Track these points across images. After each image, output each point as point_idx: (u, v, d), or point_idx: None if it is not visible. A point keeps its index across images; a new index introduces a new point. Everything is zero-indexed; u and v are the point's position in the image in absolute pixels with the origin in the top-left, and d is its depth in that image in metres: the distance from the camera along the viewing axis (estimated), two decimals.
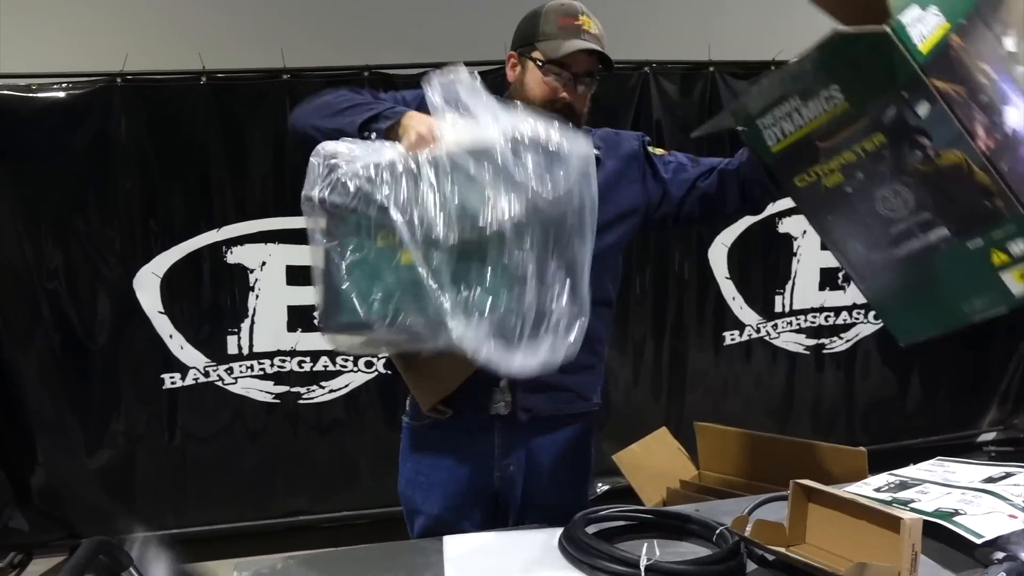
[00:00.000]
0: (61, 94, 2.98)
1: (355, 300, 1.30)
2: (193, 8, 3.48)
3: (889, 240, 1.03)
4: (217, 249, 3.13)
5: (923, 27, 0.98)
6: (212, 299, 3.15)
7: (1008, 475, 1.47)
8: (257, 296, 3.18)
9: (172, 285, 3.11)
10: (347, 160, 1.30)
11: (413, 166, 1.26)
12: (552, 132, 1.27)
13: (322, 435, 3.29)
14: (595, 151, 1.66)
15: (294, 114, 1.59)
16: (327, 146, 1.34)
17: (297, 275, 3.20)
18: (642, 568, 1.22)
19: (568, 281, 1.26)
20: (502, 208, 1.21)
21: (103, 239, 3.05)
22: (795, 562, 1.24)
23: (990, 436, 4.10)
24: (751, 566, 1.30)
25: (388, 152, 1.30)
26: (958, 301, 1.00)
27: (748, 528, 1.29)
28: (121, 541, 1.30)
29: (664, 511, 1.50)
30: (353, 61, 3.19)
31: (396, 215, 1.24)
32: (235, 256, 3.15)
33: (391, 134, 1.40)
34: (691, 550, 1.36)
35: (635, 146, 1.82)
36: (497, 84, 3.29)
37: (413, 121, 1.39)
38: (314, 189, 1.32)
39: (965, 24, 1.05)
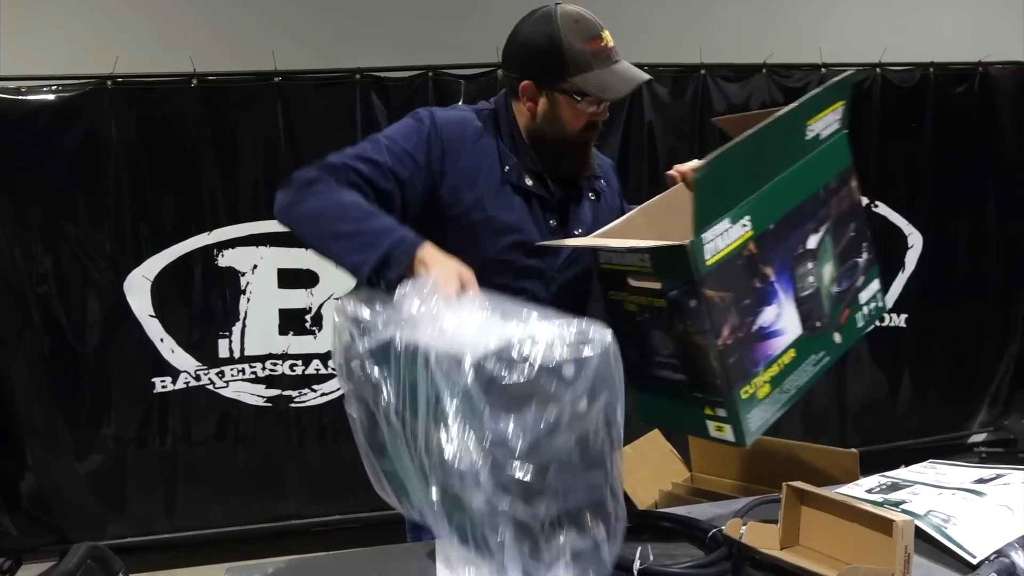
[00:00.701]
0: (51, 97, 2.97)
1: (369, 468, 1.23)
2: (183, 11, 3.47)
3: (653, 362, 1.38)
4: (208, 252, 3.12)
5: (722, 240, 1.29)
6: (203, 302, 3.14)
7: (999, 476, 1.48)
8: (248, 299, 3.17)
9: (163, 288, 3.09)
10: (365, 330, 1.17)
11: (424, 360, 1.07)
12: (567, 341, 1.05)
13: (314, 438, 3.28)
14: (601, 181, 1.70)
15: (283, 204, 1.44)
16: (349, 307, 1.21)
17: (289, 278, 3.19)
18: (635, 571, 1.22)
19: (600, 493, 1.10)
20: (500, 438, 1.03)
21: (93, 242, 3.04)
22: (788, 565, 1.24)
23: (980, 437, 4.12)
24: (744, 569, 1.30)
25: (397, 328, 1.14)
26: (687, 418, 1.38)
27: (741, 531, 1.29)
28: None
29: (657, 513, 1.50)
30: (344, 64, 3.19)
31: (392, 419, 1.13)
32: (226, 259, 3.14)
33: (407, 274, 1.27)
34: (684, 552, 1.35)
35: (613, 175, 1.80)
36: (487, 88, 3.32)
37: (431, 263, 1.27)
38: (337, 356, 1.24)
39: (772, 229, 1.36)
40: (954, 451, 3.97)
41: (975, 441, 4.12)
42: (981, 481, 1.46)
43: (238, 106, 3.10)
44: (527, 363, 1.02)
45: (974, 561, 1.24)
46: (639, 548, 1.29)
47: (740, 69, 3.54)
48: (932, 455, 1.80)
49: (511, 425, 1.02)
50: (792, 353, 1.39)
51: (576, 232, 1.64)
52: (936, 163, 3.78)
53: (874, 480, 1.55)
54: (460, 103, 1.84)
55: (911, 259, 3.83)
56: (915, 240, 3.82)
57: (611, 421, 1.09)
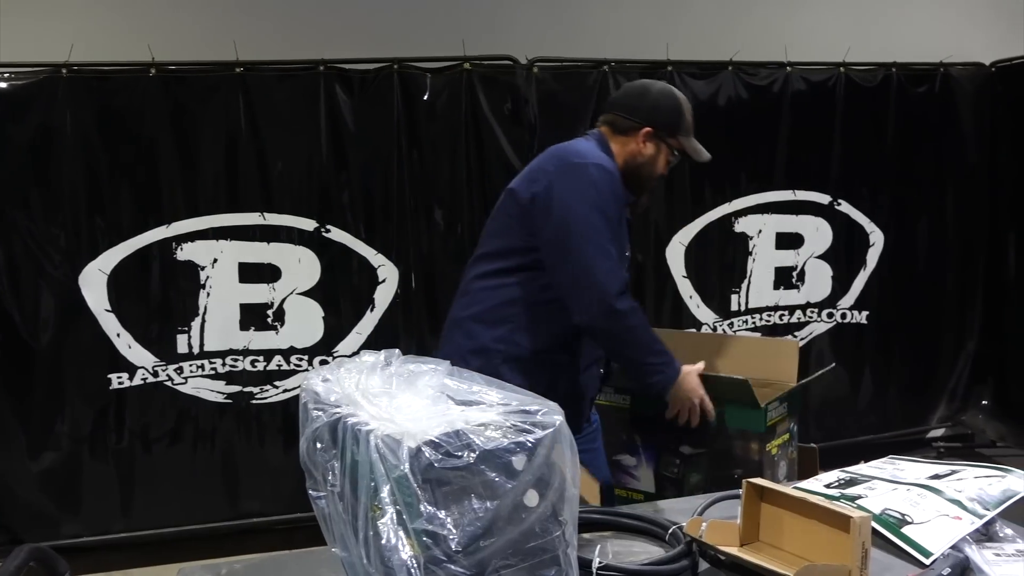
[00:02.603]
0: (3, 85, 2.90)
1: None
2: None
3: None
4: (167, 246, 3.06)
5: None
6: (161, 297, 3.08)
7: (953, 472, 1.50)
8: (208, 294, 3.11)
9: (119, 282, 3.03)
10: (320, 406, 1.11)
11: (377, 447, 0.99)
12: (515, 425, 0.99)
13: (276, 435, 3.24)
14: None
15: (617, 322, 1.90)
16: (309, 383, 1.16)
17: (250, 272, 3.14)
18: (594, 569, 1.21)
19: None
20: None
21: (47, 235, 2.96)
22: (746, 563, 1.24)
23: (939, 432, 4.19)
24: (703, 565, 1.29)
25: (345, 405, 1.08)
26: None
27: (702, 528, 1.29)
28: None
29: (618, 511, 1.49)
30: (308, 55, 3.14)
31: (338, 504, 1.07)
32: (185, 253, 3.08)
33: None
34: (644, 549, 1.35)
35: None
36: (454, 82, 3.30)
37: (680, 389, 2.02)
38: (301, 438, 1.17)
39: None
40: (914, 446, 4.04)
41: (934, 436, 4.19)
42: (936, 477, 1.47)
43: (198, 97, 3.04)
44: (468, 450, 0.95)
45: (927, 561, 1.25)
46: (599, 546, 1.28)
47: (707, 66, 3.55)
48: (892, 450, 1.82)
49: (447, 518, 0.95)
50: None
51: (628, 252, 2.10)
52: (898, 162, 3.83)
53: (833, 475, 1.56)
54: (581, 140, 2.07)
55: (872, 257, 3.88)
56: (877, 238, 3.87)
57: (560, 512, 1.00)
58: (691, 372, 2.02)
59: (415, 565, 0.95)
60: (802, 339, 3.81)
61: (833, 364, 2.80)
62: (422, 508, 0.95)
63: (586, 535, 1.38)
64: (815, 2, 4.07)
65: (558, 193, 1.87)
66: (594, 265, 1.84)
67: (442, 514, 0.95)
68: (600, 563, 1.21)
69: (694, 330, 3.61)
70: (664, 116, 2.03)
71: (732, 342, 2.56)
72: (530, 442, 0.98)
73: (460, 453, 0.96)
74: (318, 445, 1.10)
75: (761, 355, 2.37)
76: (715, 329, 3.68)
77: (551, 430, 0.99)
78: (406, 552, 0.95)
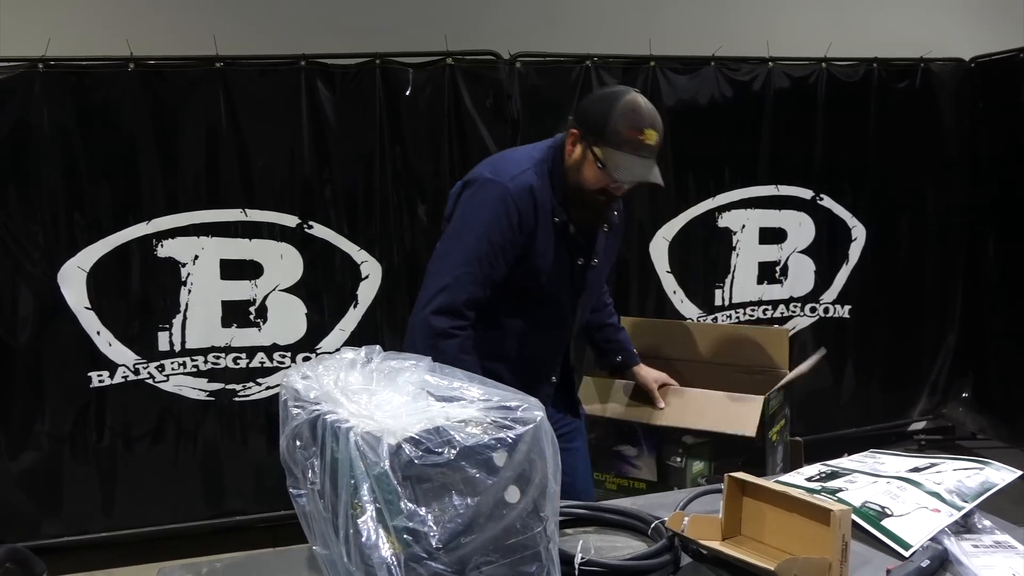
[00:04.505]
0: None
1: (318, 557, 1.12)
2: None
3: None
4: (147, 242, 3.03)
5: None
6: (142, 294, 3.05)
7: (932, 465, 1.51)
8: (190, 291, 3.08)
9: (99, 280, 2.99)
10: (300, 404, 1.11)
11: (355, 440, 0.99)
12: (495, 422, 0.99)
13: (259, 433, 3.22)
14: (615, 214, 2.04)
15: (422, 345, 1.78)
16: (289, 380, 1.16)
17: (232, 269, 3.11)
18: (576, 564, 1.21)
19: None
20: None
21: (24, 232, 2.92)
22: (728, 557, 1.24)
23: (920, 425, 4.22)
24: (685, 560, 1.30)
25: (324, 402, 1.09)
26: None
27: (684, 523, 1.29)
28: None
29: (599, 505, 1.49)
30: (289, 49, 3.12)
31: (319, 501, 1.07)
32: (166, 250, 3.05)
33: None
34: (627, 544, 1.35)
35: (623, 210, 2.13)
36: (436, 77, 3.28)
37: None
38: (282, 436, 1.15)
39: None
40: (896, 439, 4.08)
41: (915, 429, 4.23)
42: (916, 470, 1.48)
43: (178, 92, 3.01)
44: (449, 447, 0.95)
45: (907, 553, 1.26)
46: (581, 541, 1.28)
47: (689, 62, 3.56)
48: (874, 443, 1.84)
49: (428, 515, 0.95)
50: None
51: (593, 262, 1.98)
52: (879, 157, 3.85)
53: (815, 468, 1.57)
54: (522, 148, 1.99)
55: (855, 251, 3.90)
56: (859, 233, 3.89)
57: (541, 508, 1.00)
58: None
59: (396, 563, 0.94)
60: None
61: (823, 350, 2.81)
62: (402, 505, 0.95)
63: (568, 530, 1.39)
64: None
65: (458, 210, 1.90)
66: (433, 279, 1.84)
67: (423, 511, 0.95)
68: (582, 558, 1.21)
69: (689, 319, 3.63)
70: (591, 116, 1.82)
71: (723, 331, 2.59)
72: (511, 438, 0.97)
73: (440, 450, 0.95)
74: (298, 443, 1.09)
75: (752, 343, 2.40)
76: (698, 323, 3.69)
77: (531, 426, 0.99)
78: (386, 549, 0.95)
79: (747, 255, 3.74)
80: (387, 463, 0.95)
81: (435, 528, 0.95)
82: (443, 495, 0.96)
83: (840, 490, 1.41)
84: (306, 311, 3.20)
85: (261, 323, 3.16)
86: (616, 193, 1.87)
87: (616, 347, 2.30)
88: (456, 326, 1.81)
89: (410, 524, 0.94)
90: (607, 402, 2.32)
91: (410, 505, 0.95)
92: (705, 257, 3.69)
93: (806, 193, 3.79)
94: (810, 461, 1.69)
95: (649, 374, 2.28)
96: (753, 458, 2.06)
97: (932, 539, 1.28)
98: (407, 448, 0.95)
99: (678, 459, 2.21)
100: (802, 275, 3.84)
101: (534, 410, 1.01)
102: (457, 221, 1.89)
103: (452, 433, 0.96)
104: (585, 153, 1.83)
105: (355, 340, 3.21)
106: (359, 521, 0.97)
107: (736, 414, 2.13)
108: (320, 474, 1.05)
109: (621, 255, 3.49)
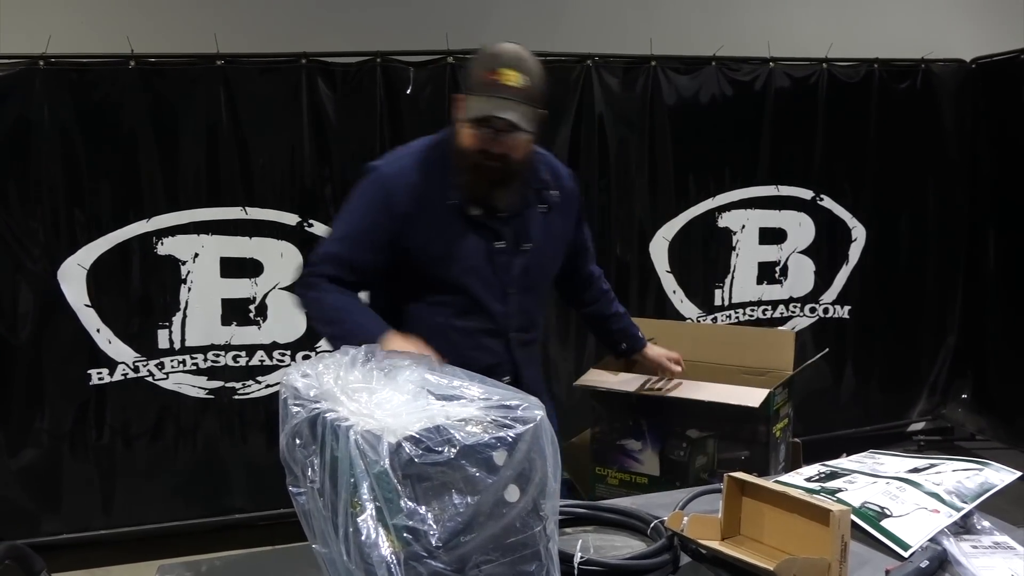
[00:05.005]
0: None
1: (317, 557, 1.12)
2: None
3: None
4: (147, 240, 3.03)
5: None
6: (142, 292, 3.05)
7: (932, 465, 1.51)
8: (189, 289, 3.08)
9: (99, 277, 2.99)
10: (300, 402, 1.10)
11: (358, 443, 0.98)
12: (495, 421, 0.99)
13: (259, 431, 3.22)
14: (553, 193, 1.87)
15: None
16: (288, 378, 1.15)
17: (232, 267, 3.12)
18: (576, 563, 1.21)
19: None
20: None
21: (25, 230, 2.92)
22: (727, 556, 1.25)
23: (920, 426, 4.22)
24: (685, 559, 1.30)
25: (324, 400, 1.08)
26: None
27: (683, 522, 1.29)
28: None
29: (599, 504, 1.49)
30: (290, 48, 3.11)
31: (318, 500, 1.06)
32: (166, 247, 3.05)
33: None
34: (626, 544, 1.35)
35: (575, 187, 1.97)
36: (437, 76, 3.28)
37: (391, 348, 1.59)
38: (282, 435, 1.14)
39: None
40: (895, 439, 4.08)
41: (914, 430, 4.23)
42: (915, 470, 1.49)
43: (178, 89, 3.01)
44: (449, 445, 0.95)
45: (906, 553, 1.26)
46: (580, 540, 1.28)
47: (690, 61, 3.56)
48: (874, 444, 1.84)
49: (428, 514, 0.94)
50: None
51: (524, 247, 1.80)
52: (880, 158, 3.85)
53: (814, 468, 1.57)
54: (425, 138, 1.90)
55: (855, 252, 3.90)
56: (859, 233, 3.89)
57: (541, 507, 1.00)
58: (393, 340, 1.68)
59: (395, 561, 0.94)
60: None
61: (826, 349, 2.81)
62: (402, 504, 0.95)
63: (567, 530, 1.39)
64: None
65: None
66: (319, 246, 1.85)
67: (422, 510, 0.95)
68: (582, 558, 1.21)
69: (689, 319, 3.63)
70: (466, 72, 1.72)
71: (727, 332, 2.59)
72: (511, 437, 0.97)
73: (440, 448, 0.95)
74: (297, 441, 1.09)
75: (757, 345, 2.41)
76: (699, 323, 3.69)
77: (532, 425, 0.99)
78: (386, 548, 0.95)
79: (747, 255, 3.74)
80: (387, 461, 0.95)
81: (435, 527, 0.95)
82: (443, 494, 0.96)
83: (839, 490, 1.41)
84: None
85: (261, 321, 3.16)
86: (494, 149, 1.67)
87: (620, 336, 2.23)
88: (315, 272, 1.79)
89: (410, 523, 0.94)
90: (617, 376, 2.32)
91: (410, 504, 0.95)
92: (705, 257, 3.69)
93: (806, 193, 3.79)
94: (809, 461, 1.69)
95: (659, 352, 2.23)
96: (756, 453, 2.06)
97: (931, 540, 1.28)
98: (407, 447, 0.95)
99: (682, 453, 2.21)
100: (802, 275, 3.84)
101: (534, 409, 1.01)
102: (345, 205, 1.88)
103: (452, 432, 0.96)
104: (459, 113, 1.72)
105: None
106: (359, 519, 0.97)
107: (741, 394, 2.16)
108: (320, 472, 1.05)
109: (615, 253, 3.50)
